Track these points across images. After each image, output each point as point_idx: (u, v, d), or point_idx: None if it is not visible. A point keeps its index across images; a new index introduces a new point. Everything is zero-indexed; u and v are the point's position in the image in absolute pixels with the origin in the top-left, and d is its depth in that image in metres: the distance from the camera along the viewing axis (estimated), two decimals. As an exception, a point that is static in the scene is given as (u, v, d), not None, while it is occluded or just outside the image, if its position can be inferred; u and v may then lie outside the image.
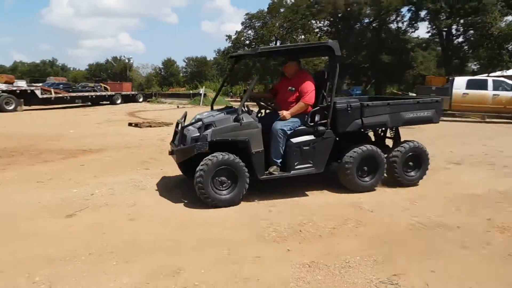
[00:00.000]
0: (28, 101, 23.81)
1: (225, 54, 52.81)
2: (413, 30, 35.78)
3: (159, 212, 4.60)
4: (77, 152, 8.44)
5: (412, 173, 5.67)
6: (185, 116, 5.37)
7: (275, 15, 45.23)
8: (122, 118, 17.16)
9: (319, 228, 4.13)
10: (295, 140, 4.98)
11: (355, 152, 5.16)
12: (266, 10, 47.45)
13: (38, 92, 24.49)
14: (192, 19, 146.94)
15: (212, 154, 4.61)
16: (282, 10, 43.66)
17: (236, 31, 49.89)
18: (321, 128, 5.05)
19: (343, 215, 4.50)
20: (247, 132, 4.73)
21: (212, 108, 5.86)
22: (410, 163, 5.63)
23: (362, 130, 5.41)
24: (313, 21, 37.17)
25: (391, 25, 35.01)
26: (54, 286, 2.95)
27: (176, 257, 3.44)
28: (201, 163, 4.61)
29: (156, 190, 5.49)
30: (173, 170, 6.59)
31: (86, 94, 28.56)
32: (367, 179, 5.36)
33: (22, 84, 30.77)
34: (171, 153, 5.21)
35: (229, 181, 4.75)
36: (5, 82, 26.37)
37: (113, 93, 30.45)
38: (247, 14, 49.51)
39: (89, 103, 28.25)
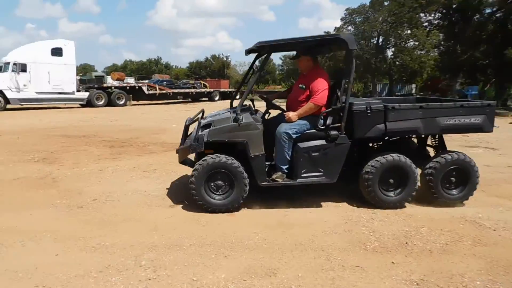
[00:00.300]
0: (136, 97, 26.47)
1: (323, 52, 52.07)
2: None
3: (258, 209, 4.66)
4: (178, 145, 9.03)
5: (454, 191, 4.84)
6: (202, 112, 5.19)
7: (379, 9, 43.28)
8: (219, 115, 18.00)
9: (429, 242, 3.77)
10: (303, 144, 4.55)
11: (377, 161, 4.57)
12: (368, 4, 45.70)
13: (144, 89, 27.06)
14: (289, 16, 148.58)
15: (204, 157, 4.45)
16: (386, 3, 41.61)
17: (335, 27, 48.85)
18: (333, 132, 4.52)
19: (458, 231, 4.05)
20: (246, 134, 4.44)
21: (231, 106, 5.44)
22: (452, 178, 4.79)
23: (387, 136, 4.77)
24: (422, 14, 34.65)
25: (520, 15, 30.88)
26: (158, 271, 3.16)
27: (273, 257, 3.44)
28: (195, 166, 4.49)
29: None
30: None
31: (187, 90, 30.69)
32: (392, 193, 4.71)
33: (131, 81, 34.29)
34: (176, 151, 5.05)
35: (226, 185, 4.51)
36: (117, 79, 29.72)
37: (211, 90, 32.22)
38: (347, 9, 48.14)
39: (190, 99, 30.28)
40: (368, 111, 4.53)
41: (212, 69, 70.67)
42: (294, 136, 4.54)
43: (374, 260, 3.42)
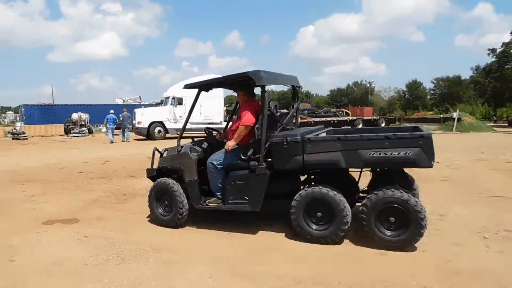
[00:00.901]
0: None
1: (486, 71, 46.74)
2: None
3: (417, 251, 4.31)
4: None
5: (389, 233, 4.33)
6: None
7: None
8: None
9: None
10: (232, 173, 5.05)
11: (300, 194, 4.65)
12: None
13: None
14: (442, 35, 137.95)
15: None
16: None
17: (503, 42, 43.54)
18: (252, 163, 4.82)
19: None
20: (182, 162, 5.28)
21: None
22: (391, 218, 4.30)
23: (306, 169, 4.78)
24: None
25: None
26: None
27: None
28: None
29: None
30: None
31: (329, 119, 30.93)
32: (319, 227, 4.58)
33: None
34: None
35: (170, 205, 5.35)
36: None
37: (354, 118, 31.81)
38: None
39: (331, 128, 30.37)
40: (284, 143, 4.65)
41: (354, 96, 70.09)
42: (218, 166, 5.08)
43: None
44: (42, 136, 28.99)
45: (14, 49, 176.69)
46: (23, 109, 38.54)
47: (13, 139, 26.00)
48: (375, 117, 33.98)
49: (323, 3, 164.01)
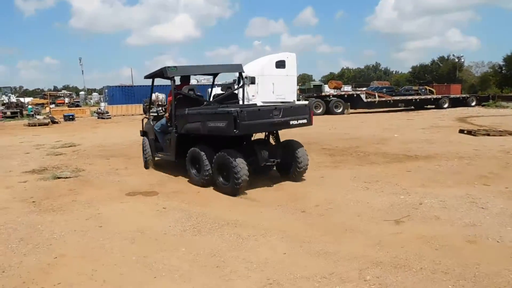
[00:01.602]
0: (353, 105, 27.01)
1: None
2: None
3: (508, 241, 3.97)
4: (402, 157, 8.70)
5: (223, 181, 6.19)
6: None
7: None
8: (450, 124, 16.44)
9: None
10: (166, 135, 7.66)
11: (188, 152, 6.82)
12: None
13: (363, 96, 27.33)
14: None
15: None
16: None
17: None
18: (170, 128, 7.31)
19: None
20: (148, 127, 8.54)
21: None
22: (225, 172, 6.12)
23: (191, 133, 6.83)
24: None
25: None
26: (384, 291, 3.06)
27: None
28: None
29: (501, 212, 4.81)
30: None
31: (410, 97, 29.31)
32: (199, 175, 6.65)
33: (348, 89, 35.15)
34: None
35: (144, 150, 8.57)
36: (334, 88, 31.01)
37: (439, 96, 29.79)
38: None
39: (412, 107, 28.81)
40: (180, 115, 6.89)
41: (439, 73, 65.37)
42: (158, 130, 7.89)
43: None
44: (123, 115, 31.13)
45: (96, 34, 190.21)
46: (106, 90, 41.52)
47: (98, 118, 28.27)
48: (463, 95, 31.46)
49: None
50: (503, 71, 60.52)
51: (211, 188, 6.40)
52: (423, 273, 3.33)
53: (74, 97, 55.74)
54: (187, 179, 6.94)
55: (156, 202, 5.70)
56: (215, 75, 10.05)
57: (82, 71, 77.68)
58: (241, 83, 8.61)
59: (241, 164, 5.82)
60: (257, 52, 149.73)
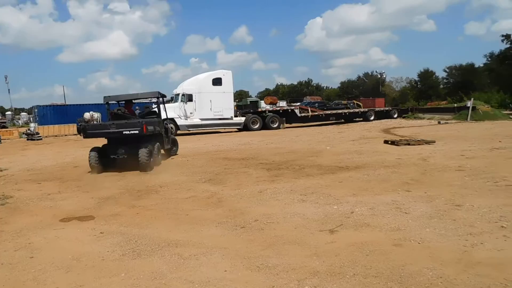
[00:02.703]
0: (289, 120, 27.77)
1: (501, 58, 45.91)
2: None
3: (427, 242, 4.28)
4: (334, 168, 9.07)
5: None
6: None
7: None
8: (376, 135, 17.44)
9: None
10: None
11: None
12: None
13: (297, 111, 28.22)
14: (453, 23, 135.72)
15: None
16: None
17: (517, 28, 42.68)
18: None
19: None
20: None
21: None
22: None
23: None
24: None
25: None
26: (322, 300, 3.16)
27: (453, 298, 3.08)
28: None
29: (422, 215, 5.18)
30: (440, 194, 6.14)
31: (340, 111, 30.74)
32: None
33: (283, 104, 36.10)
34: None
35: None
36: (270, 103, 31.76)
37: (366, 109, 31.54)
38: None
39: (343, 120, 30.21)
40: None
41: (365, 88, 69.32)
42: None
43: None
44: (56, 136, 29.43)
45: (25, 51, 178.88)
46: (36, 110, 39.09)
47: (27, 139, 26.44)
48: (387, 108, 33.64)
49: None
50: (418, 86, 65.43)
51: (151, 209, 6.24)
52: (356, 279, 3.49)
53: (0, 117, 51.80)
54: (126, 201, 6.72)
55: (93, 227, 5.42)
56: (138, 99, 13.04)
57: (9, 89, 72.54)
58: (159, 103, 12.22)
59: (91, 154, 10.16)
60: (195, 69, 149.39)
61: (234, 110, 26.76)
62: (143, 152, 9.77)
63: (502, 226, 4.61)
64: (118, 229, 5.27)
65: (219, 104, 24.60)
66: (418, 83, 67.59)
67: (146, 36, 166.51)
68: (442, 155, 10.41)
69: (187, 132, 24.23)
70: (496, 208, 5.35)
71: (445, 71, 67.86)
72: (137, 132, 9.89)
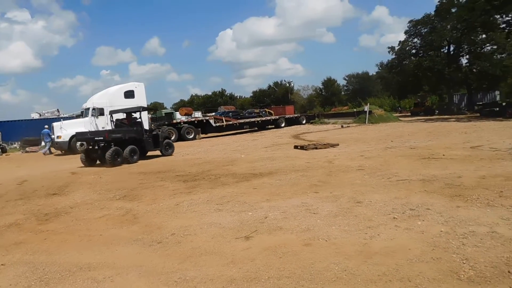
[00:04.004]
0: (204, 130, 27.68)
1: (389, 67, 50.77)
2: None
3: (333, 238, 4.56)
4: (249, 175, 9.24)
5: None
6: None
7: (446, 17, 41.34)
8: (287, 141, 18.13)
9: (537, 270, 3.39)
10: None
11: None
12: (433, 13, 43.93)
13: (212, 121, 28.23)
14: (349, 36, 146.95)
15: None
16: (454, 10, 39.66)
17: (400, 41, 47.68)
18: None
19: None
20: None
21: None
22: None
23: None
24: (497, 16, 32.40)
25: None
26: (239, 306, 3.19)
27: (356, 289, 3.31)
28: None
29: (328, 214, 5.50)
30: (343, 193, 6.55)
31: (253, 119, 31.40)
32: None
33: (198, 115, 35.93)
34: None
35: None
36: (185, 114, 31.37)
37: (277, 117, 32.64)
38: (410, 21, 46.86)
39: (256, 128, 30.92)
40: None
41: (276, 96, 71.77)
42: None
43: (471, 291, 3.15)
44: None
45: None
46: None
47: None
48: (296, 115, 35.22)
49: (238, 7, 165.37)
50: (323, 93, 69.51)
51: (61, 232, 5.78)
52: (270, 282, 3.58)
53: None
54: (32, 227, 6.14)
55: (-7, 259, 4.86)
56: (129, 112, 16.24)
57: None
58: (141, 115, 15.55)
59: (81, 156, 14.62)
60: (106, 81, 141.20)
61: (149, 122, 25.92)
62: (108, 152, 13.50)
63: (394, 218, 5.09)
64: (22, 258, 4.79)
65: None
66: (323, 91, 71.89)
67: (52, 47, 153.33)
68: (345, 157, 11.17)
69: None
70: (389, 201, 5.90)
71: (344, 79, 73.34)
72: (102, 138, 14.09)
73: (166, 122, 27.15)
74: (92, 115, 22.64)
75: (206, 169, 10.84)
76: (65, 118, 27.15)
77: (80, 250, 4.92)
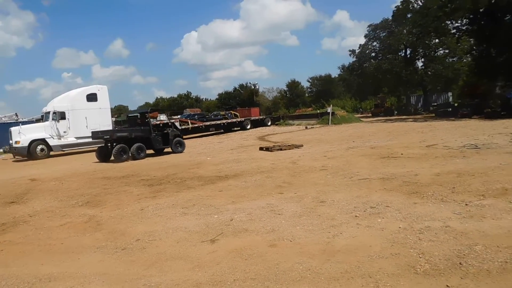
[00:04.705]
0: (171, 133, 27.24)
1: (350, 70, 52.08)
2: None
3: (297, 239, 4.61)
4: (214, 178, 9.18)
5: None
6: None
7: (402, 22, 42.97)
8: (253, 143, 18.17)
9: (486, 261, 3.58)
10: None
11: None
12: (391, 18, 45.56)
13: (177, 124, 27.83)
14: (312, 39, 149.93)
15: None
16: (409, 15, 41.30)
17: (360, 44, 49.08)
18: None
19: (516, 246, 3.83)
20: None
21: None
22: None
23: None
24: (448, 22, 34.02)
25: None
26: (205, 310, 3.16)
27: (319, 287, 3.36)
28: None
29: (293, 215, 5.55)
30: (307, 193, 6.64)
31: (219, 122, 31.26)
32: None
33: (163, 117, 35.36)
34: None
35: None
36: (150, 117, 30.75)
37: (242, 119, 32.66)
38: (370, 25, 48.39)
39: (222, 130, 30.79)
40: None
41: (241, 98, 71.78)
42: None
43: (426, 284, 3.27)
44: None
45: None
46: None
47: None
48: (261, 117, 35.38)
49: (203, 9, 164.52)
50: (287, 95, 70.27)
51: (19, 242, 5.50)
52: (236, 284, 3.57)
53: None
54: (-13, 237, 5.81)
55: None
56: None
57: None
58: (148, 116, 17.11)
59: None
60: (68, 84, 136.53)
61: (113, 126, 25.23)
62: (114, 149, 15.03)
63: (356, 216, 5.22)
64: (-24, 271, 4.52)
65: (96, 121, 22.87)
66: (287, 93, 72.65)
67: (9, 49, 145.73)
68: (309, 157, 11.33)
69: (62, 152, 22.03)
70: (351, 200, 6.04)
71: (308, 81, 74.44)
72: (108, 137, 15.94)
73: (129, 125, 26.49)
74: (53, 119, 21.76)
75: (172, 173, 10.68)
76: (24, 123, 25.93)
77: (40, 261, 4.70)
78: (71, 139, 22.30)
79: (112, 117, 26.86)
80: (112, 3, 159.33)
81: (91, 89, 24.01)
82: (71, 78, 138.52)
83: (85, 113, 22.73)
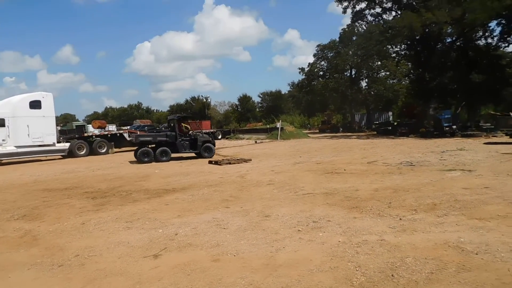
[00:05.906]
0: (118, 144, 26.26)
1: (299, 87, 53.56)
2: (507, 44, 32.80)
3: (241, 253, 4.60)
4: (161, 191, 8.97)
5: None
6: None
7: (348, 44, 45.10)
8: (202, 156, 17.98)
9: (415, 272, 3.78)
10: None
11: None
12: (338, 39, 47.66)
13: (126, 135, 26.95)
14: (264, 55, 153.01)
15: None
16: (354, 38, 43.43)
17: (309, 63, 50.67)
18: None
19: (442, 258, 4.09)
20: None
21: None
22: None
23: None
24: (389, 46, 36.22)
25: (479, 41, 32.61)
26: (143, 329, 3.05)
27: (260, 302, 3.37)
28: None
29: (238, 229, 5.55)
30: (253, 208, 6.67)
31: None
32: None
33: (112, 128, 34.15)
34: None
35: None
36: (98, 127, 29.53)
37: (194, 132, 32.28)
38: (318, 45, 50.22)
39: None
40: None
41: (193, 111, 71.12)
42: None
43: (361, 296, 3.39)
44: None
45: None
46: None
47: None
48: (212, 130, 35.21)
49: (157, 20, 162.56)
50: (239, 109, 70.72)
51: None
52: (177, 301, 3.49)
53: None
54: None
55: None
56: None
57: None
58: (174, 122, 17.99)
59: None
60: (11, 89, 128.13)
61: (57, 135, 23.88)
62: (138, 152, 16.48)
63: (299, 230, 5.32)
64: None
65: (39, 130, 21.53)
66: (239, 107, 73.04)
67: None
68: (256, 172, 11.42)
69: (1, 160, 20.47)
70: (295, 214, 6.15)
71: (259, 96, 75.29)
72: (135, 141, 17.63)
73: (76, 135, 25.29)
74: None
75: (117, 185, 10.29)
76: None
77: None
78: (10, 148, 20.77)
79: (57, 125, 25.48)
80: (62, 8, 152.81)
81: (35, 96, 22.62)
82: (14, 83, 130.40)
83: (27, 121, 21.33)
